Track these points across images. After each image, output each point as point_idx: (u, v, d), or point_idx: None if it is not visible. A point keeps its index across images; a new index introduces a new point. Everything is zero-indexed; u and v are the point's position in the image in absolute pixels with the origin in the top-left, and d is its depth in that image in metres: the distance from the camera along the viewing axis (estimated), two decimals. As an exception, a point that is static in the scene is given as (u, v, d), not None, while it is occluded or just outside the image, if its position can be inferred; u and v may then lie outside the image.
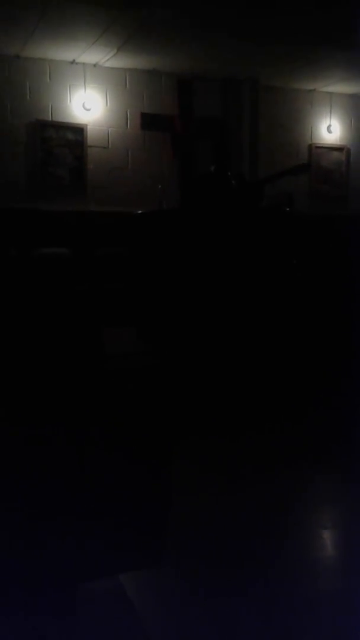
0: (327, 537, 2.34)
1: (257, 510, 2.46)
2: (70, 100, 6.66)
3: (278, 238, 4.77)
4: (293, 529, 2.35)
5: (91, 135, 6.74)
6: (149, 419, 1.78)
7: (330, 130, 7.96)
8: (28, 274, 2.12)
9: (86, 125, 6.71)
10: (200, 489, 2.65)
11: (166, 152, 7.08)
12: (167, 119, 7.01)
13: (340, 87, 7.71)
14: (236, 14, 5.46)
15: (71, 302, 1.97)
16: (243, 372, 4.23)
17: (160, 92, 7.04)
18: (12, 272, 2.10)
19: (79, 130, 6.68)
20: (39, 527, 1.60)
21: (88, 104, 6.69)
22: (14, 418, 1.58)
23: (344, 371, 4.31)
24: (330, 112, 7.97)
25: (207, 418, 3.59)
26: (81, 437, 1.64)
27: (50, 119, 6.58)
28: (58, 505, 1.61)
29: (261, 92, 7.40)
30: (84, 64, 6.63)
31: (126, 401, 1.77)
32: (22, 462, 1.57)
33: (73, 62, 6.57)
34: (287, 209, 5.19)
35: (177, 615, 1.83)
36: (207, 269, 4.47)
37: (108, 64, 6.67)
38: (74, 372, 1.73)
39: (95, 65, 6.68)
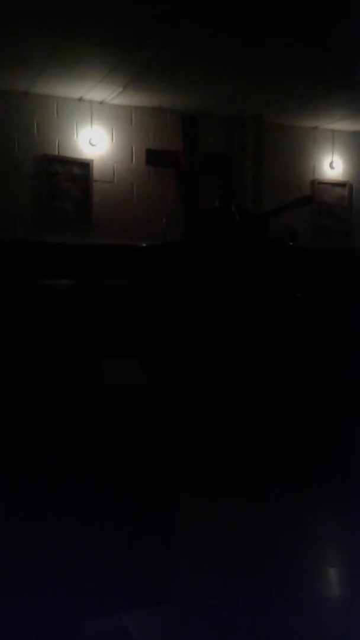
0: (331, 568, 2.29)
1: (256, 540, 2.42)
2: (76, 136, 6.79)
3: (282, 271, 4.79)
4: (296, 559, 2.30)
5: (97, 170, 6.85)
6: (152, 448, 1.76)
7: (332, 166, 8.07)
8: (32, 304, 2.13)
9: (92, 160, 6.82)
10: (203, 519, 2.61)
11: (171, 187, 7.18)
12: (171, 155, 7.12)
13: (342, 124, 7.85)
14: (240, 53, 5.60)
15: (74, 332, 1.98)
16: (247, 403, 4.20)
17: (166, 128, 7.18)
18: (16, 301, 2.11)
19: (85, 165, 6.79)
20: (38, 559, 1.57)
21: (94, 139, 6.82)
22: (15, 443, 1.56)
23: (345, 401, 4.28)
24: (333, 149, 8.09)
25: (211, 447, 3.55)
26: (81, 464, 1.62)
27: (57, 153, 6.70)
28: (59, 536, 1.58)
29: (265, 129, 7.53)
30: (90, 101, 6.77)
31: (128, 431, 1.75)
32: (27, 488, 1.55)
33: (80, 99, 6.72)
34: (291, 243, 5.23)
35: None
36: (211, 301, 4.48)
37: (114, 102, 6.82)
38: (74, 401, 1.72)
39: (101, 102, 6.82)
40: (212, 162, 7.30)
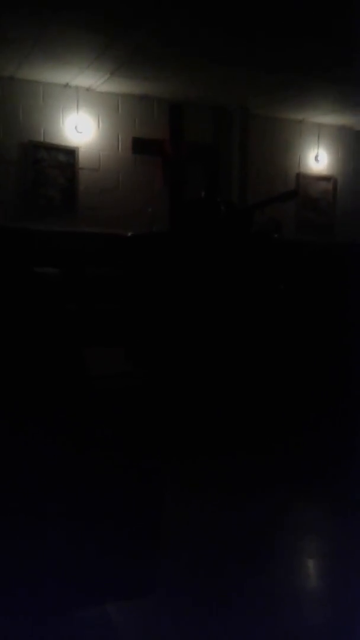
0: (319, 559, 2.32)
1: (244, 532, 2.44)
2: (62, 123, 6.72)
3: (266, 263, 4.81)
4: (284, 552, 2.33)
5: (83, 157, 6.80)
6: (137, 439, 1.77)
7: (317, 159, 8.10)
8: (16, 291, 2.11)
9: (78, 147, 6.76)
10: (192, 509, 2.63)
11: (157, 176, 7.16)
12: (158, 143, 7.09)
13: (328, 118, 7.87)
14: (228, 43, 5.58)
15: (58, 320, 1.96)
16: (231, 394, 4.23)
17: (152, 117, 7.14)
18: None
19: (70, 153, 6.73)
20: (28, 550, 1.56)
21: (80, 127, 6.76)
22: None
23: (330, 391, 4.33)
24: (318, 143, 8.12)
25: (196, 438, 3.58)
26: (62, 456, 1.62)
27: (42, 140, 6.63)
28: (38, 531, 1.57)
29: (251, 120, 7.54)
30: (77, 87, 6.71)
31: (112, 421, 1.75)
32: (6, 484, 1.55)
33: (66, 85, 6.65)
34: (275, 235, 5.26)
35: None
36: (196, 291, 4.49)
37: (101, 89, 6.76)
38: (56, 392, 1.71)
39: (88, 89, 6.76)
40: (199, 152, 7.29)
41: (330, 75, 6.29)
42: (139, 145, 7.02)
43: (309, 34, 5.32)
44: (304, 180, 8.02)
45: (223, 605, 1.96)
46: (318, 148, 8.12)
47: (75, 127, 6.74)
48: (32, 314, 1.92)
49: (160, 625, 1.86)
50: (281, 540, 2.45)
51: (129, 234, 5.20)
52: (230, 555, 2.27)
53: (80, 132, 6.76)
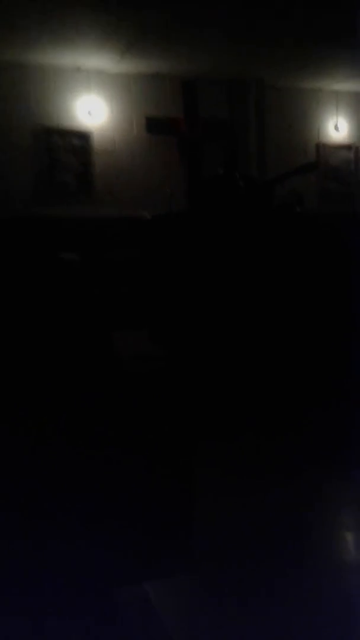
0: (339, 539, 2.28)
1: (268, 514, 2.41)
2: (75, 107, 6.66)
3: (290, 238, 4.71)
4: (306, 531, 2.29)
5: (97, 140, 6.73)
6: (163, 422, 1.74)
7: (337, 128, 7.91)
8: (41, 279, 2.11)
9: (91, 131, 6.70)
10: (219, 492, 2.60)
11: (173, 155, 7.06)
12: (172, 122, 6.98)
13: (345, 85, 7.66)
14: (239, 15, 5.43)
15: (83, 305, 1.95)
16: (252, 376, 4.17)
17: (165, 95, 7.03)
18: (25, 278, 2.09)
19: (84, 136, 6.67)
20: (60, 535, 1.56)
21: (93, 110, 6.69)
22: (25, 420, 1.54)
23: (348, 376, 4.25)
24: (337, 111, 7.91)
25: (218, 422, 3.54)
26: (94, 440, 1.60)
27: (55, 125, 6.58)
28: (75, 512, 1.56)
29: (267, 92, 7.37)
30: (88, 71, 6.62)
31: (139, 404, 1.73)
32: (38, 467, 1.54)
33: (78, 69, 6.57)
34: (298, 208, 5.15)
35: (195, 620, 1.78)
36: (218, 271, 4.42)
37: (112, 70, 6.67)
38: (84, 375, 1.70)
39: (99, 72, 6.67)
40: (214, 128, 7.15)
41: (345, 42, 6.09)
42: (153, 125, 6.92)
43: (320, 2, 5.15)
44: (324, 150, 7.84)
45: (261, 591, 1.93)
46: (337, 116, 7.91)
47: (88, 111, 6.67)
48: (61, 300, 1.91)
49: (200, 605, 1.84)
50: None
51: (149, 215, 5.14)
52: (264, 538, 2.24)
53: (93, 116, 6.69)
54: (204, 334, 4.32)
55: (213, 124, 7.13)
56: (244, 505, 2.49)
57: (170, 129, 6.98)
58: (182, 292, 4.51)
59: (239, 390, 4.03)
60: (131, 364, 1.99)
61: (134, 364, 2.01)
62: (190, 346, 4.27)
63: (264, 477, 2.78)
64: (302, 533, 2.27)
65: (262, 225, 4.68)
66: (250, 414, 3.75)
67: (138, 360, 2.13)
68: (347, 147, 7.98)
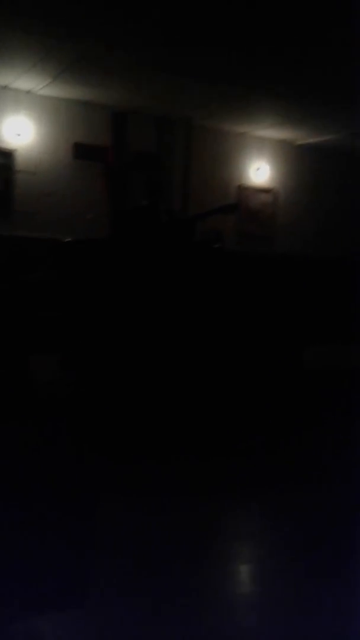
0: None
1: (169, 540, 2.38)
2: (0, 125, 6.55)
3: (207, 272, 4.80)
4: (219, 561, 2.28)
5: (21, 160, 6.64)
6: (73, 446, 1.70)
7: (259, 172, 8.22)
8: None
9: (15, 149, 6.60)
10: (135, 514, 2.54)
11: (98, 183, 7.07)
12: (101, 150, 7.01)
13: (269, 132, 8.01)
14: (173, 53, 5.58)
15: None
16: (165, 401, 4.18)
17: (95, 123, 7.06)
18: None
19: (7, 154, 6.57)
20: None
21: (19, 129, 6.60)
22: None
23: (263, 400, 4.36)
24: (260, 156, 8.24)
25: (130, 444, 3.49)
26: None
27: (-22, 142, 6.45)
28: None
29: (195, 131, 7.57)
30: (17, 90, 6.56)
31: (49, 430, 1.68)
32: None
33: (5, 87, 6.49)
34: (216, 245, 5.26)
35: None
36: (135, 299, 4.43)
37: (42, 92, 6.63)
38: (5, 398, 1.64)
39: (28, 92, 6.62)
40: (142, 160, 7.25)
41: (272, 91, 6.40)
42: (81, 151, 6.93)
43: (252, 50, 5.40)
44: (245, 192, 8.12)
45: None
46: (259, 161, 8.23)
47: (14, 129, 6.58)
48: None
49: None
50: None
51: (68, 239, 5.09)
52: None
53: (19, 135, 6.61)
54: (119, 359, 4.29)
55: (140, 156, 7.24)
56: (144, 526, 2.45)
57: (97, 157, 7.00)
58: (96, 318, 4.47)
59: (150, 412, 4.02)
60: (44, 389, 1.93)
61: (47, 389, 1.96)
62: (102, 372, 4.22)
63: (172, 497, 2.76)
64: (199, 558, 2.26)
65: (181, 257, 4.75)
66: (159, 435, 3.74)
67: (50, 385, 2.08)
68: (266, 191, 8.30)
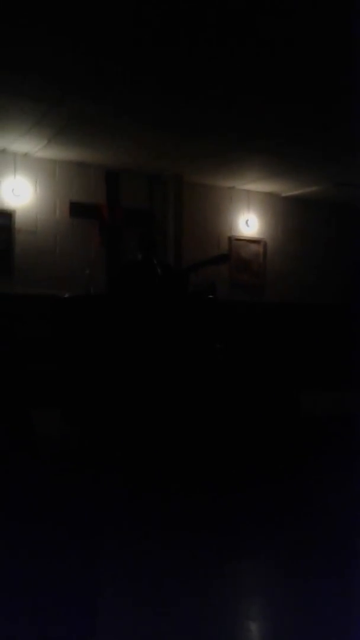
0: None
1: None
2: (-1, 187, 6.81)
3: (202, 323, 4.95)
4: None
5: (19, 220, 6.87)
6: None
7: (248, 224, 8.49)
8: None
9: (14, 210, 6.84)
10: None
11: (94, 239, 7.30)
12: (95, 208, 7.28)
13: (257, 185, 8.32)
14: (164, 112, 5.85)
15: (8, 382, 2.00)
16: (170, 453, 4.24)
17: (89, 182, 7.34)
18: None
19: (7, 215, 6.80)
20: None
21: (17, 190, 6.86)
22: None
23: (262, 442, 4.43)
24: (248, 208, 8.53)
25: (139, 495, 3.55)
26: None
27: (-22, 203, 6.67)
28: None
29: (185, 187, 7.86)
30: (14, 153, 6.84)
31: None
32: None
33: (4, 150, 6.77)
34: (210, 295, 5.43)
35: None
36: (134, 352, 4.55)
37: (38, 155, 6.92)
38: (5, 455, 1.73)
39: (26, 154, 6.90)
40: (135, 217, 7.52)
41: (257, 146, 6.70)
42: (77, 210, 7.18)
43: (238, 107, 5.68)
44: (236, 243, 8.37)
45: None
46: (248, 213, 8.52)
47: (12, 191, 6.83)
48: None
49: None
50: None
51: (66, 295, 5.24)
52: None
53: (18, 196, 6.86)
54: (119, 413, 4.37)
55: (133, 213, 7.51)
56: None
57: (92, 214, 7.26)
58: (97, 372, 4.57)
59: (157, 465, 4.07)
60: (45, 444, 2.03)
61: (48, 444, 2.06)
62: (105, 426, 4.30)
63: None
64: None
65: (177, 309, 4.89)
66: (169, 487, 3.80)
67: (51, 439, 2.17)
68: (256, 242, 8.56)
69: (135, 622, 2.12)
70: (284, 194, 8.75)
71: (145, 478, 3.87)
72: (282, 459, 4.47)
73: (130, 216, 7.47)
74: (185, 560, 2.70)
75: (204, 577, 2.56)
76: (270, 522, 3.25)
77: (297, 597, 2.40)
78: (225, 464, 4.25)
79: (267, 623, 2.27)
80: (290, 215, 8.88)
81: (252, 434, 4.65)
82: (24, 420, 1.85)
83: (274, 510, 3.43)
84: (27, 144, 6.58)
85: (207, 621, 2.17)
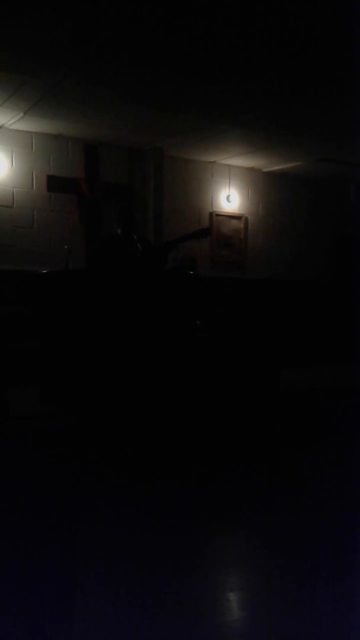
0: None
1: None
2: (-27, 160, 6.63)
3: (182, 299, 4.90)
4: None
5: (-4, 195, 6.71)
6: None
7: (229, 200, 8.41)
8: None
9: (-10, 184, 6.68)
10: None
11: (72, 214, 7.17)
12: (73, 181, 7.13)
13: (238, 160, 8.22)
14: (141, 86, 5.74)
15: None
16: (149, 430, 4.22)
17: (67, 155, 7.18)
18: None
19: (-18, 190, 6.63)
20: None
21: (-6, 164, 6.69)
22: None
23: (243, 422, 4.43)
24: (229, 183, 8.44)
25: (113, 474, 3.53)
26: None
27: None
28: None
29: (165, 161, 7.74)
30: (-12, 124, 6.65)
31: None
32: None
33: (-23, 121, 6.58)
34: (191, 271, 5.38)
35: None
36: (113, 328, 4.49)
37: (14, 127, 6.74)
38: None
39: (1, 127, 6.72)
40: (114, 191, 7.39)
41: (238, 121, 6.60)
42: (55, 184, 7.03)
43: (219, 81, 5.58)
44: (217, 219, 8.29)
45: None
46: (229, 188, 8.43)
47: (-13, 165, 6.67)
48: None
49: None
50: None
51: (45, 271, 5.15)
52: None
53: (-6, 169, 6.70)
54: (99, 390, 4.33)
55: (113, 187, 7.38)
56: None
57: (71, 188, 7.12)
58: (76, 349, 4.51)
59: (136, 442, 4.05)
60: (25, 423, 1.98)
61: (28, 423, 2.01)
62: (86, 404, 4.25)
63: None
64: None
65: (156, 284, 4.83)
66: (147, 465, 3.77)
67: (32, 419, 2.12)
68: (237, 217, 8.49)
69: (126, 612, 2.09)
70: (265, 169, 8.67)
71: (127, 457, 3.85)
72: (260, 434, 4.48)
73: (109, 190, 7.34)
74: (174, 543, 2.69)
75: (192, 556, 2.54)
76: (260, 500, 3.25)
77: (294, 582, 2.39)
78: (205, 440, 4.24)
79: (265, 603, 2.27)
80: (271, 190, 8.81)
81: (231, 409, 4.64)
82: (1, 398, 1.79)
83: (261, 487, 3.43)
84: (2, 116, 6.40)
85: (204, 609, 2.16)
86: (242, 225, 8.52)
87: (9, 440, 1.67)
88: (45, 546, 1.67)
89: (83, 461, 3.35)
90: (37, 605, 1.64)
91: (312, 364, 7.52)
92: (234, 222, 8.46)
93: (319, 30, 4.52)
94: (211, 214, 8.25)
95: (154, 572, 2.35)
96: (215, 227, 8.20)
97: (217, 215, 8.30)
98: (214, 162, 8.25)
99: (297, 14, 4.29)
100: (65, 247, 5.37)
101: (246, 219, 8.57)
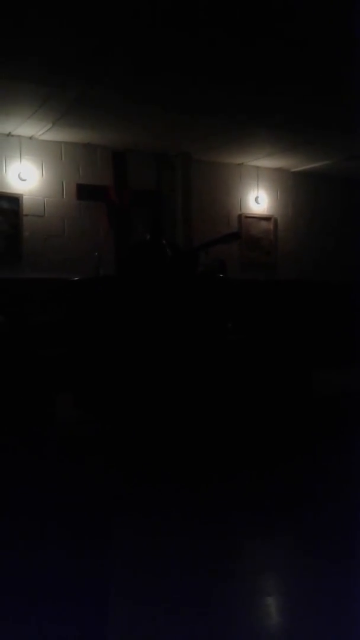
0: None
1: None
2: (5, 171, 6.76)
3: (213, 302, 4.91)
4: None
5: (27, 204, 6.83)
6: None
7: (258, 201, 8.39)
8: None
9: (22, 194, 6.80)
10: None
11: (102, 221, 7.25)
12: (102, 189, 7.22)
13: (266, 161, 8.20)
14: (168, 91, 5.78)
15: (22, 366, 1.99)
16: (184, 434, 4.24)
17: (96, 164, 7.27)
18: None
19: (14, 200, 6.76)
20: None
21: (24, 174, 6.81)
22: None
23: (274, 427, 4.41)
24: (258, 185, 8.42)
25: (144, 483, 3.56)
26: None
27: (-15, 188, 6.64)
28: None
29: (193, 165, 7.77)
30: (20, 136, 6.78)
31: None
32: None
33: (9, 134, 6.72)
34: (221, 275, 5.38)
35: None
36: (145, 333, 4.53)
37: (44, 137, 6.86)
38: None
39: (31, 137, 6.84)
40: (143, 197, 7.45)
41: (265, 122, 6.59)
42: (84, 192, 7.12)
43: (245, 83, 5.59)
44: (246, 221, 8.28)
45: None
46: (258, 190, 8.41)
47: (19, 175, 6.79)
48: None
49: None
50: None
51: (76, 278, 5.23)
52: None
53: (24, 180, 6.82)
54: (132, 396, 4.37)
55: (141, 193, 7.44)
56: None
57: (100, 196, 7.21)
58: (108, 355, 4.56)
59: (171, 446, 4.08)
60: (63, 429, 2.03)
61: (66, 429, 2.06)
62: (119, 409, 4.29)
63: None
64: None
65: (187, 289, 4.86)
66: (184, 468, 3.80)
67: (67, 425, 2.17)
68: (266, 219, 8.46)
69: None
70: (293, 169, 8.62)
71: (158, 462, 3.87)
72: (293, 439, 4.46)
73: (138, 197, 7.40)
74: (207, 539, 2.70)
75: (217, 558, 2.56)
76: (286, 502, 3.25)
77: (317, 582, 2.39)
78: (237, 445, 4.24)
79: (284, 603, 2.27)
80: (300, 190, 8.75)
81: (264, 413, 4.63)
82: (47, 404, 1.85)
83: (289, 491, 3.42)
84: (31, 127, 6.53)
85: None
86: (271, 227, 8.48)
87: (49, 446, 1.72)
88: (92, 547, 1.71)
89: (127, 467, 3.39)
90: (80, 607, 1.68)
91: (343, 366, 7.45)
92: (263, 223, 8.44)
93: (344, 28, 4.49)
94: (240, 216, 8.24)
95: (200, 575, 2.37)
96: (244, 229, 8.18)
97: (246, 217, 8.29)
98: (242, 164, 8.24)
99: (320, 14, 4.28)
100: (96, 254, 5.45)
101: (275, 220, 8.53)
